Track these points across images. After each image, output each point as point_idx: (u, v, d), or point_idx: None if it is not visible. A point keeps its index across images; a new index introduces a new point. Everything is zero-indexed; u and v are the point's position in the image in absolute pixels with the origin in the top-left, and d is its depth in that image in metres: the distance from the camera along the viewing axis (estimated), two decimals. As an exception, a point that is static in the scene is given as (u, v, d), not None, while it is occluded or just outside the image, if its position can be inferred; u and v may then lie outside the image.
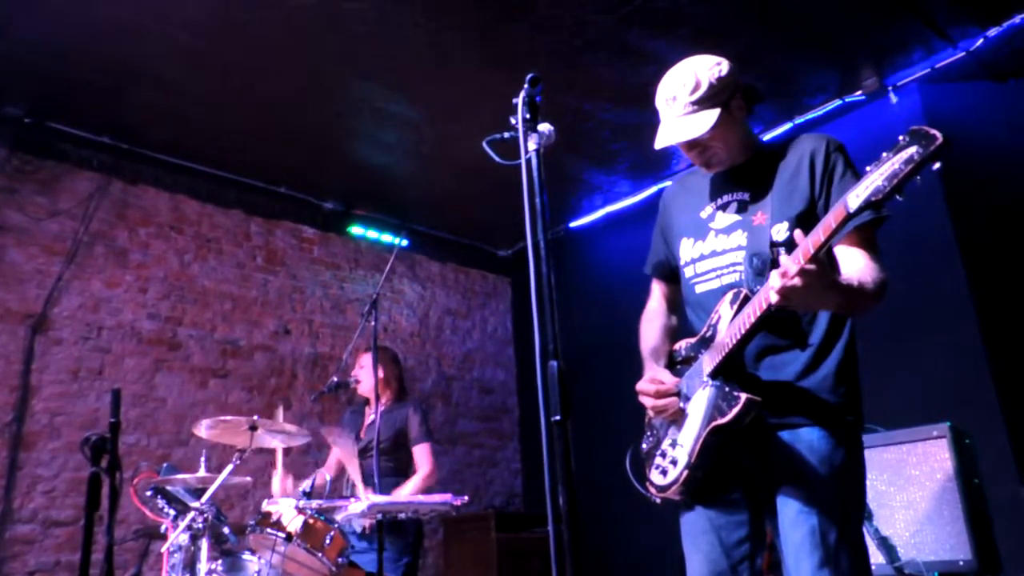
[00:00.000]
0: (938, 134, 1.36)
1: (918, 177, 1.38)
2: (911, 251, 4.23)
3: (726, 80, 1.92)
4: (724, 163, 2.00)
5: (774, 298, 1.58)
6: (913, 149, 1.38)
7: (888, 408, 3.23)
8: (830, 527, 1.73)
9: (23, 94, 4.64)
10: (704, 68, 1.92)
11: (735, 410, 1.73)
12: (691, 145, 1.96)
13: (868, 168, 1.44)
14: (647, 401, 1.96)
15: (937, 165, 1.37)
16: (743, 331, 1.74)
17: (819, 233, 1.51)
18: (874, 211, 1.53)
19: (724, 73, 1.92)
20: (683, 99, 1.90)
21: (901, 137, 1.40)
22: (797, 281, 1.52)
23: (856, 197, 1.44)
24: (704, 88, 1.89)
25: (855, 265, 1.74)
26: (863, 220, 1.75)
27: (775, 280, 1.56)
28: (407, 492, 3.77)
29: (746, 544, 1.88)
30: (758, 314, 1.70)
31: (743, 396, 1.73)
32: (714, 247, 1.97)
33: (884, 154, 1.42)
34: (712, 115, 1.87)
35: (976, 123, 4.56)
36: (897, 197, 1.40)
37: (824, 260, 1.54)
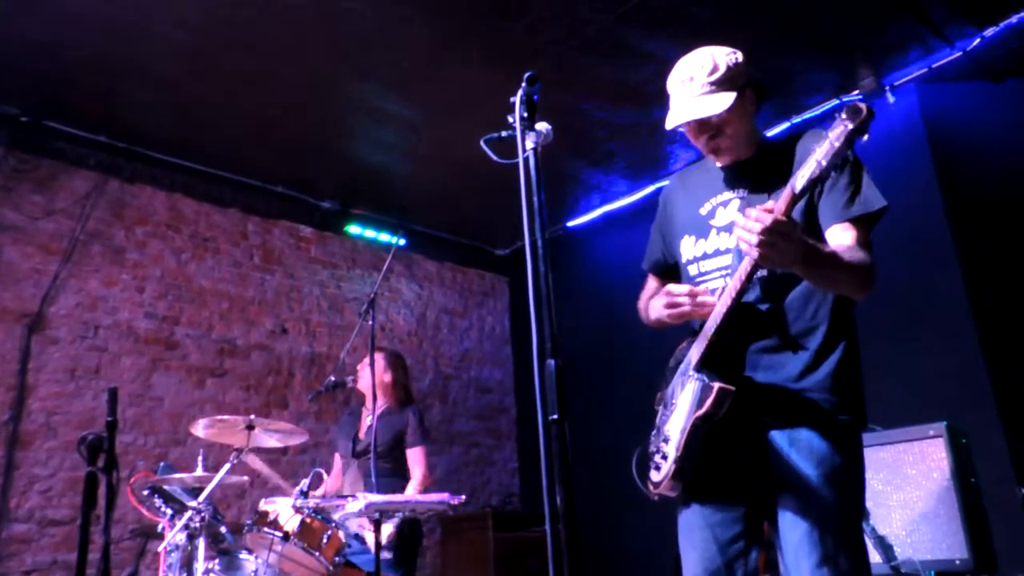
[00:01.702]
0: (864, 108, 1.48)
1: (849, 152, 1.51)
2: (908, 250, 4.24)
3: (741, 67, 1.94)
4: (731, 153, 2.00)
5: (738, 233, 1.60)
6: (842, 127, 1.50)
7: (885, 407, 3.22)
8: (829, 527, 1.73)
9: (20, 93, 4.63)
10: (721, 53, 1.94)
11: (709, 400, 1.75)
12: (703, 128, 1.96)
13: (814, 147, 1.56)
14: (682, 300, 1.86)
15: (865, 137, 1.48)
16: (719, 318, 1.78)
17: (780, 203, 1.60)
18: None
19: (740, 60, 1.95)
20: (700, 79, 1.90)
21: (836, 114, 1.51)
22: (758, 223, 1.55)
23: (802, 178, 1.57)
24: (722, 70, 1.90)
25: (839, 244, 1.76)
26: (853, 214, 1.77)
27: (740, 219, 1.60)
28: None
29: (741, 541, 1.87)
30: (732, 295, 1.74)
31: (716, 385, 1.75)
32: (716, 246, 1.97)
33: (824, 132, 1.55)
34: (729, 97, 1.88)
35: (973, 123, 4.56)
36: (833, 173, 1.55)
37: (790, 218, 1.60)
